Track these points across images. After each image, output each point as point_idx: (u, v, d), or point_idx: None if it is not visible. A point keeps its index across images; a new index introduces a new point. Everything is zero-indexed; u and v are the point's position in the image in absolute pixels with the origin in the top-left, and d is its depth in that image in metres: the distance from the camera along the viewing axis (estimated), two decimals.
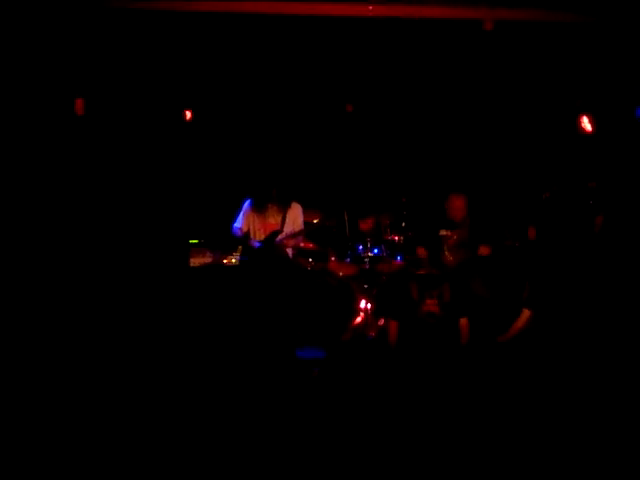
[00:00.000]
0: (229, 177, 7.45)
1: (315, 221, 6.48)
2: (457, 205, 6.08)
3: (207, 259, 6.65)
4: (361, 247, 6.55)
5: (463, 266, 5.93)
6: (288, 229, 6.18)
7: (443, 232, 6.13)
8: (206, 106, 7.25)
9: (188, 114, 7.17)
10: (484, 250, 5.89)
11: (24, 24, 5.71)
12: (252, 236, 6.21)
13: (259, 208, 6.21)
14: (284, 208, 6.19)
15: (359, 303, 6.20)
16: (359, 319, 6.16)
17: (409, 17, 5.56)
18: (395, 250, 6.64)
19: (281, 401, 4.53)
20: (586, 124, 6.56)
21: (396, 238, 6.70)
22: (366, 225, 6.63)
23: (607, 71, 6.33)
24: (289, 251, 6.26)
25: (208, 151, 7.50)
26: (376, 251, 6.57)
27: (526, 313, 5.61)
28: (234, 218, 6.34)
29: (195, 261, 6.58)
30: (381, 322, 6.04)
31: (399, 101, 7.29)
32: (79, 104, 6.63)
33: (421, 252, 6.16)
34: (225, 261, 6.54)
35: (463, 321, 5.38)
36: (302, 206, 6.32)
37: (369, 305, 6.21)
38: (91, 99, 6.72)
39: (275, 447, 3.88)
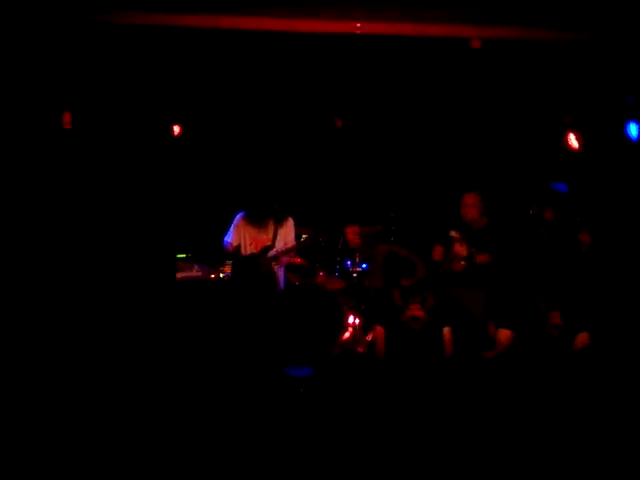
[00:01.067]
0: (218, 191, 7.45)
1: (304, 236, 6.46)
2: (469, 201, 5.86)
3: (195, 273, 6.62)
4: (349, 262, 6.55)
5: (459, 275, 5.87)
6: (279, 245, 6.12)
7: (453, 233, 5.92)
8: (196, 120, 7.25)
9: (176, 129, 7.16)
10: (482, 258, 5.72)
11: (10, 38, 5.70)
12: (243, 251, 6.14)
13: (257, 222, 6.12)
14: (277, 223, 6.13)
15: (347, 318, 6.20)
16: (347, 334, 6.16)
17: (396, 35, 5.59)
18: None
19: (269, 417, 4.51)
20: (573, 141, 6.60)
21: None
22: (353, 236, 6.61)
23: (595, 88, 6.38)
24: (279, 268, 6.23)
25: (196, 165, 7.49)
26: (364, 266, 6.57)
27: (505, 333, 5.45)
28: (225, 231, 6.30)
29: (182, 275, 6.55)
30: (369, 337, 6.02)
31: (387, 117, 7.32)
32: (67, 117, 6.61)
33: (438, 252, 5.95)
34: (212, 276, 6.52)
35: (446, 330, 5.37)
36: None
37: (357, 320, 6.20)
38: (79, 112, 6.70)
39: (264, 462, 3.87)
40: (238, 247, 6.15)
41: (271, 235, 6.10)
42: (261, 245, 6.09)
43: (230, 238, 6.21)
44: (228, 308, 6.04)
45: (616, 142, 6.42)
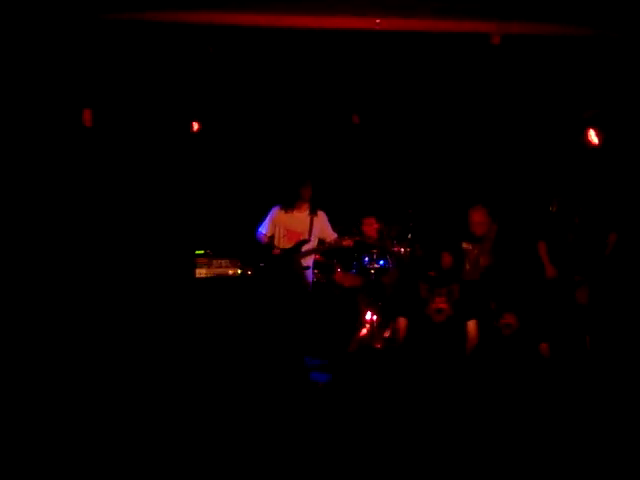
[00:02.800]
0: (237, 187, 7.47)
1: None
2: (477, 219, 5.89)
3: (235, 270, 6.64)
4: (367, 259, 6.55)
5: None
6: (314, 238, 6.18)
7: (465, 245, 5.97)
8: (214, 117, 7.27)
9: (195, 125, 7.18)
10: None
11: (31, 38, 5.75)
12: (276, 243, 6.19)
13: (291, 209, 6.17)
14: (312, 214, 6.18)
15: (365, 315, 6.21)
16: (365, 331, 6.17)
17: (416, 30, 5.57)
18: (401, 262, 6.63)
19: (287, 414, 4.52)
20: (593, 137, 6.54)
21: (402, 250, 6.70)
22: (369, 228, 6.61)
23: (615, 84, 6.32)
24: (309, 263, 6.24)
25: (217, 161, 7.51)
26: (382, 263, 6.56)
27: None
28: (252, 225, 6.34)
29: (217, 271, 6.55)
30: (387, 334, 6.03)
31: (406, 113, 7.29)
32: (87, 115, 6.66)
33: (447, 259, 5.98)
34: (230, 272, 6.54)
35: (471, 324, 5.38)
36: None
37: (375, 317, 6.20)
38: (99, 110, 6.75)
39: (281, 459, 3.88)
40: (272, 238, 6.20)
41: (307, 227, 6.14)
42: (296, 238, 6.14)
43: (265, 229, 6.27)
44: (249, 303, 6.07)
45: (637, 138, 6.36)
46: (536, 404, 4.59)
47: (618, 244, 5.84)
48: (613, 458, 3.84)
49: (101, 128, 6.73)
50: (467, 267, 5.94)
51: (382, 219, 6.76)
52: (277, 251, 6.13)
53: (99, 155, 6.83)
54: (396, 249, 6.69)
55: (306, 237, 6.13)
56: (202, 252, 6.75)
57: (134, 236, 6.87)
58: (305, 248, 6.13)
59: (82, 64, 6.25)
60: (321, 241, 6.27)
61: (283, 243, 6.19)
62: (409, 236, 6.81)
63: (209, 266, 6.61)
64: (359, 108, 7.27)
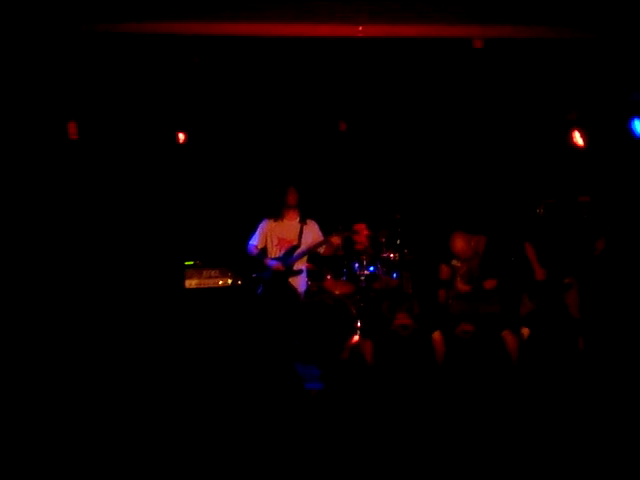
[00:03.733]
0: (225, 197, 7.47)
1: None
2: (458, 247, 5.93)
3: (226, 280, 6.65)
4: (357, 265, 6.54)
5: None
6: (306, 244, 6.22)
7: (454, 262, 6.01)
8: (201, 127, 7.28)
9: (181, 136, 7.18)
10: (490, 284, 5.74)
11: (14, 50, 5.73)
12: (269, 254, 6.25)
13: (277, 217, 6.26)
14: (302, 222, 6.26)
15: (356, 322, 6.19)
16: (356, 338, 6.14)
17: (398, 37, 5.59)
18: (391, 268, 6.63)
19: (280, 421, 4.51)
20: (577, 138, 6.58)
21: (392, 255, 6.69)
22: (360, 235, 6.61)
23: (598, 84, 6.36)
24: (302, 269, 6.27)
25: (203, 172, 7.50)
26: (372, 269, 6.56)
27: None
28: (240, 236, 6.37)
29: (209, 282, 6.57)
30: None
31: (391, 119, 7.32)
32: (72, 128, 6.64)
33: (445, 272, 6.02)
34: (221, 282, 6.54)
35: (436, 335, 5.52)
36: None
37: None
38: (84, 122, 6.74)
39: (275, 467, 3.87)
40: (264, 249, 6.27)
41: (297, 235, 6.22)
42: (287, 245, 6.19)
43: (255, 241, 6.35)
44: (240, 312, 6.07)
45: (621, 139, 6.40)
46: (527, 406, 4.61)
47: (607, 247, 5.87)
48: (609, 460, 3.84)
49: (87, 140, 6.72)
50: (458, 282, 5.93)
51: (371, 225, 6.75)
52: (279, 267, 6.13)
53: (85, 167, 6.83)
54: (385, 255, 6.68)
55: (297, 244, 6.19)
56: (191, 263, 6.74)
57: (122, 248, 6.86)
58: (297, 252, 6.17)
59: (66, 76, 6.24)
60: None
61: (275, 252, 6.24)
62: (397, 242, 6.80)
63: (199, 277, 6.61)
64: (345, 115, 7.28)
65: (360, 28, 5.49)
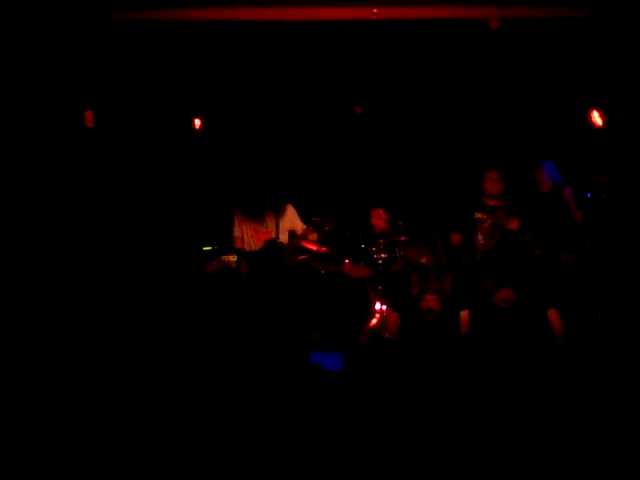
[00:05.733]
0: (240, 182, 7.47)
1: (327, 229, 6.44)
2: (493, 177, 5.88)
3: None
4: (375, 249, 6.54)
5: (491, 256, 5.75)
6: (283, 235, 6.11)
7: (478, 215, 5.96)
8: (217, 113, 7.27)
9: (197, 122, 7.18)
10: (513, 224, 5.67)
11: (31, 39, 5.76)
12: (246, 246, 6.10)
13: (252, 216, 6.10)
14: (277, 214, 6.09)
15: (374, 305, 6.20)
16: (375, 321, 6.16)
17: (413, 19, 5.56)
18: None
19: (300, 406, 4.54)
20: (596, 118, 6.51)
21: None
22: (378, 219, 6.60)
23: (619, 65, 6.29)
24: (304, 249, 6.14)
25: (219, 157, 7.51)
26: (390, 253, 6.55)
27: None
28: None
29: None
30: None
31: (407, 102, 7.28)
32: (89, 116, 6.67)
33: (455, 239, 5.98)
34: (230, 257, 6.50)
35: (464, 314, 5.36)
36: (307, 210, 6.24)
37: (384, 307, 6.20)
38: (101, 110, 6.76)
39: (293, 452, 3.90)
40: (242, 245, 6.14)
41: (272, 227, 6.07)
42: (263, 237, 6.07)
43: (235, 232, 6.22)
44: (255, 298, 6.07)
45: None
46: (545, 388, 4.57)
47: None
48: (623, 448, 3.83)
49: (103, 128, 6.75)
50: (479, 239, 5.89)
51: (388, 209, 6.75)
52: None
53: (102, 155, 6.86)
54: (403, 239, 6.67)
55: (273, 236, 6.05)
56: (209, 248, 6.76)
57: (139, 234, 6.89)
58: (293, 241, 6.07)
59: (82, 64, 6.27)
60: (292, 233, 6.21)
61: (251, 244, 6.12)
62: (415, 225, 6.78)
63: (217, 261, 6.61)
64: (360, 99, 7.25)
65: (375, 10, 5.47)
